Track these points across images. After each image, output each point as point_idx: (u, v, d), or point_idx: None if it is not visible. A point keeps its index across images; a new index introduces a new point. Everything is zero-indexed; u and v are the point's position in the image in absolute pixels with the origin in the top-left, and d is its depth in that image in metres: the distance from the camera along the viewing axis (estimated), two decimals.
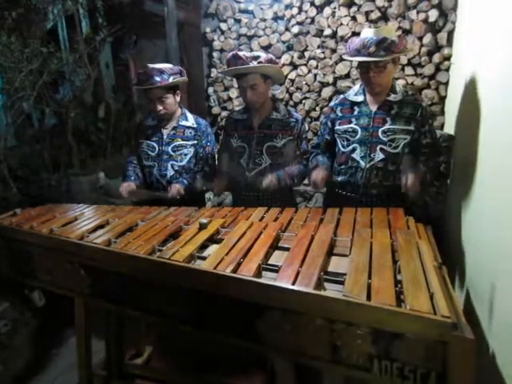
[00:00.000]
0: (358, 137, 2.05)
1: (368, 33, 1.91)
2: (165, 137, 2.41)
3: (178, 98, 2.39)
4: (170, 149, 2.39)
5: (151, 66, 2.28)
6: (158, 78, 2.23)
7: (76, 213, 1.99)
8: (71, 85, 3.85)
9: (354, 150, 2.07)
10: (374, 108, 2.04)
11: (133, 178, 2.41)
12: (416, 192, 1.88)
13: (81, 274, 1.59)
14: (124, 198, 2.33)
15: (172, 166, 2.39)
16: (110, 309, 1.93)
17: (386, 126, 2.00)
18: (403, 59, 3.25)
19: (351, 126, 2.08)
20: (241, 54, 2.08)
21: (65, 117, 3.73)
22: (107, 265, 1.51)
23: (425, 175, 1.98)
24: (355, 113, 2.09)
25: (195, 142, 2.44)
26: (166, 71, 2.26)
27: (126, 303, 1.54)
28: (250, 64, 2.07)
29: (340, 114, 2.15)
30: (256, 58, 2.08)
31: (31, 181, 3.42)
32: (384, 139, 2.00)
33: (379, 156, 2.02)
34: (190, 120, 2.47)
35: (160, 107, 2.31)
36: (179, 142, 2.40)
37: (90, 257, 1.55)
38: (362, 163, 2.05)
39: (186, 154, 2.41)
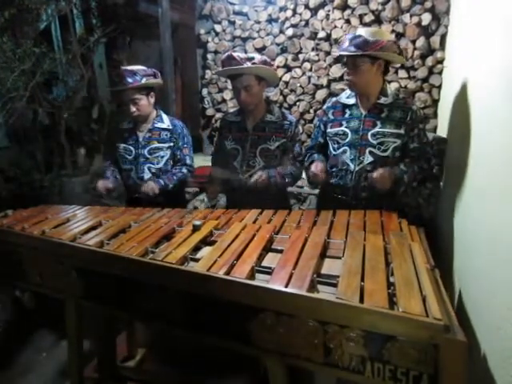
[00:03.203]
0: (348, 139, 2.06)
1: (358, 31, 1.94)
2: (141, 139, 2.41)
3: (151, 100, 2.39)
4: (146, 151, 2.40)
5: (124, 67, 2.30)
6: (129, 80, 2.24)
7: (68, 214, 1.97)
8: (64, 85, 3.83)
9: (344, 152, 2.08)
10: (364, 111, 2.05)
11: (110, 179, 2.43)
12: (383, 186, 1.91)
13: (72, 275, 1.57)
14: (101, 194, 2.34)
15: (149, 169, 2.40)
16: (101, 311, 1.91)
17: (376, 129, 2.00)
18: None
19: (342, 128, 2.09)
20: (235, 54, 2.08)
21: (58, 117, 3.70)
22: (99, 267, 1.50)
23: (403, 175, 1.98)
24: (346, 115, 2.10)
25: (171, 144, 2.45)
26: (138, 72, 2.27)
27: (118, 305, 1.53)
28: (244, 65, 2.07)
29: (332, 117, 2.16)
30: (250, 59, 2.08)
31: (23, 181, 3.40)
32: (373, 142, 2.00)
33: (368, 159, 2.02)
34: (166, 121, 2.47)
35: (133, 109, 2.31)
36: (155, 144, 2.41)
37: (82, 259, 1.54)
38: (352, 166, 2.05)
39: (162, 157, 2.42)
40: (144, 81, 2.27)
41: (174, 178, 2.43)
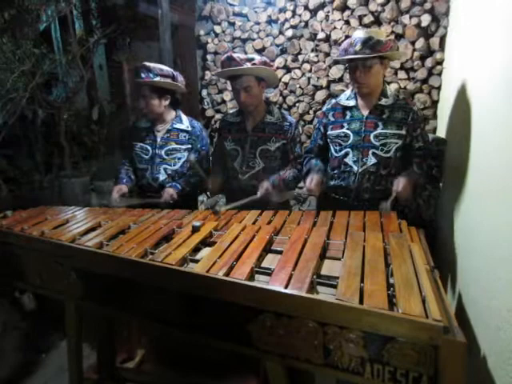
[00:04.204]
0: (350, 141, 2.06)
1: (358, 33, 1.94)
2: (158, 140, 2.38)
3: (164, 102, 2.35)
4: (163, 152, 2.37)
5: (145, 63, 2.28)
6: (142, 75, 2.23)
7: (68, 215, 1.97)
8: (64, 86, 3.83)
9: (346, 154, 2.08)
10: (365, 112, 2.05)
11: (125, 180, 2.39)
12: (407, 196, 1.90)
13: (72, 277, 1.57)
14: (116, 202, 2.30)
15: (165, 170, 2.37)
16: (101, 312, 1.91)
17: (378, 131, 2.00)
18: (396, 63, 3.28)
19: (343, 130, 2.08)
20: (235, 55, 2.08)
21: (57, 118, 3.70)
22: (99, 268, 1.50)
23: (419, 178, 2.00)
24: (347, 117, 2.10)
25: (189, 146, 2.41)
26: (154, 70, 2.24)
27: (118, 306, 1.53)
28: (244, 65, 2.07)
29: (332, 119, 2.15)
30: (250, 59, 2.09)
31: (22, 182, 3.39)
32: (376, 143, 2.01)
33: (371, 160, 2.02)
34: (185, 123, 2.44)
35: (142, 105, 2.31)
36: (173, 145, 2.38)
37: (81, 260, 1.53)
38: (355, 168, 2.05)
39: (179, 158, 2.39)
40: (157, 79, 2.24)
41: (190, 181, 2.41)
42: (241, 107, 2.28)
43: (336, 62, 3.58)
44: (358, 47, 1.89)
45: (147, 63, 2.27)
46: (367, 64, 1.91)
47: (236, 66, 2.08)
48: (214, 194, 2.42)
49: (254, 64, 2.08)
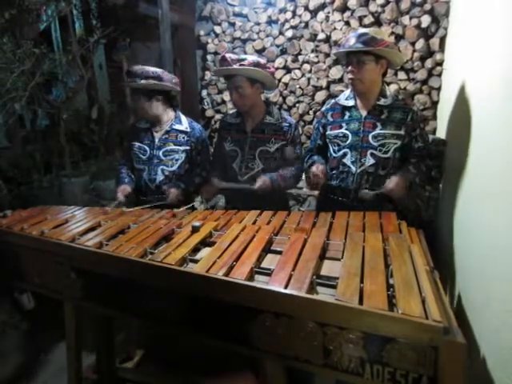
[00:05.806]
0: (348, 142, 2.06)
1: (358, 30, 1.97)
2: (156, 140, 2.37)
3: (155, 103, 2.32)
4: (161, 153, 2.36)
5: (135, 67, 2.30)
6: (129, 79, 2.27)
7: (67, 215, 1.97)
8: (64, 86, 3.83)
9: (344, 154, 2.08)
10: (364, 113, 2.05)
11: (127, 180, 2.39)
12: (400, 195, 1.91)
13: (71, 276, 1.57)
14: (121, 202, 2.28)
15: (162, 171, 2.35)
16: (100, 311, 1.91)
17: (377, 131, 2.00)
18: None
19: (342, 130, 2.08)
20: (227, 55, 2.09)
21: (57, 118, 3.70)
22: (98, 268, 1.50)
23: (414, 178, 1.99)
24: (346, 117, 2.09)
25: (187, 147, 2.39)
26: (138, 74, 2.25)
27: (117, 306, 1.53)
28: (234, 66, 2.07)
29: (331, 119, 2.15)
30: (240, 60, 2.08)
31: (22, 182, 3.39)
32: (374, 144, 2.01)
33: (370, 161, 2.02)
34: (184, 124, 2.43)
35: (138, 108, 2.35)
36: (171, 146, 2.37)
37: (80, 259, 1.53)
38: (353, 168, 2.05)
39: (177, 160, 2.37)
40: (142, 82, 2.24)
41: (195, 181, 2.40)
42: (235, 107, 2.29)
43: (336, 63, 3.59)
44: (351, 41, 1.92)
45: (134, 67, 2.28)
46: (360, 59, 1.92)
47: (227, 66, 2.08)
48: (209, 194, 2.40)
49: (242, 65, 2.07)
